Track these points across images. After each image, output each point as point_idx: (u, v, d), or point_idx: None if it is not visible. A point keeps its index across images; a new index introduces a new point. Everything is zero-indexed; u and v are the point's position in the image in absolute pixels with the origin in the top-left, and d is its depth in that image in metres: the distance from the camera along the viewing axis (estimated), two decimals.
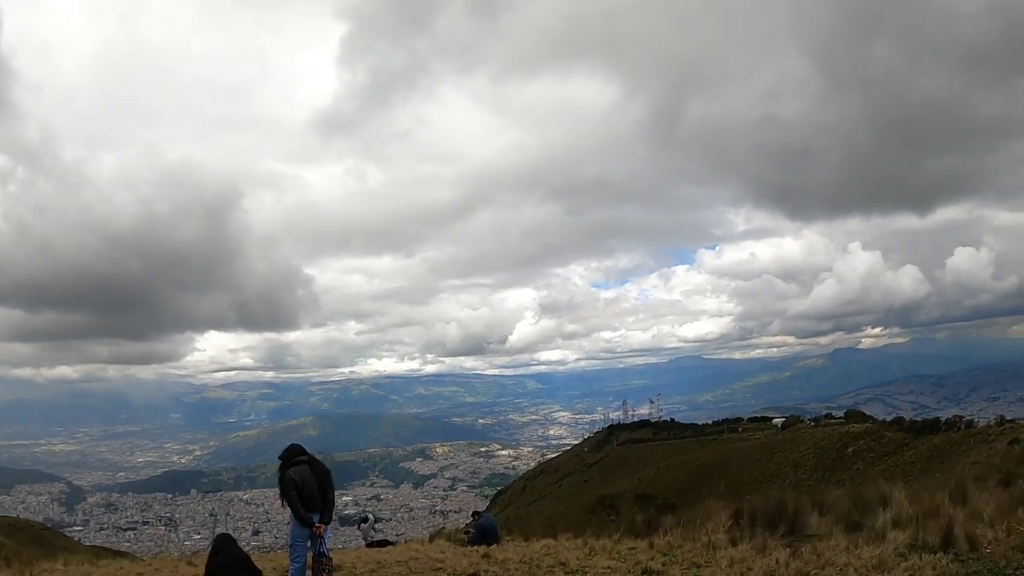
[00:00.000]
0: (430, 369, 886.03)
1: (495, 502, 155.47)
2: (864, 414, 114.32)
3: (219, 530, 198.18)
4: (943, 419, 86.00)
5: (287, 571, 11.14)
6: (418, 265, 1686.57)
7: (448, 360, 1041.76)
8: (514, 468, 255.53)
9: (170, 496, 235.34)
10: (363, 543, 23.26)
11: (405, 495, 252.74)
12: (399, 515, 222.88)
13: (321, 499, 10.82)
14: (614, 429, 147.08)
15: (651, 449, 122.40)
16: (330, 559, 11.05)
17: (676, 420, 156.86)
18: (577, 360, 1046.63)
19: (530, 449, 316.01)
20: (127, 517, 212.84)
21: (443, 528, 24.80)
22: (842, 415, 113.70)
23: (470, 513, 20.96)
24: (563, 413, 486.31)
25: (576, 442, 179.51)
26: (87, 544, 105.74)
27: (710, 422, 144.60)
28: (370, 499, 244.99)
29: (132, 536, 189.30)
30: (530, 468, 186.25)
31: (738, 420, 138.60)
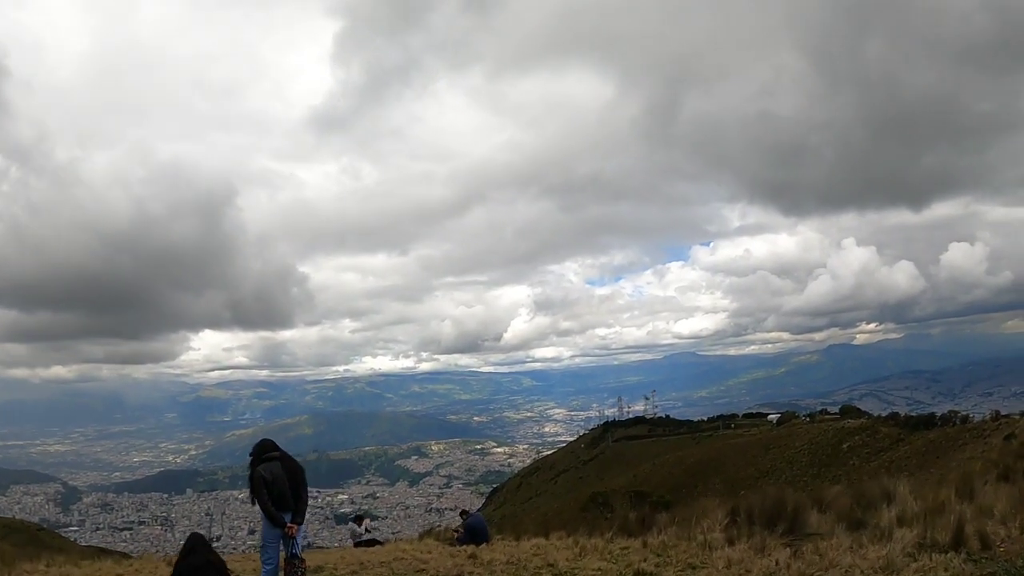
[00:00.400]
0: (425, 367, 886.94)
1: (490, 500, 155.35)
2: (859, 410, 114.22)
3: (215, 530, 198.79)
4: (938, 414, 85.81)
5: (260, 573, 10.49)
6: (413, 263, 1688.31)
7: (443, 358, 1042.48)
8: (509, 465, 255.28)
9: (166, 496, 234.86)
10: (353, 542, 22.92)
11: (401, 493, 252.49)
12: (395, 513, 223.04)
13: (293, 498, 10.16)
14: (609, 426, 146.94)
15: (646, 446, 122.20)
16: (303, 561, 10.41)
17: (671, 417, 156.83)
18: (572, 357, 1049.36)
19: (525, 446, 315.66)
20: (123, 517, 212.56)
21: (433, 528, 24.20)
22: (837, 411, 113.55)
23: (458, 513, 20.47)
24: (558, 410, 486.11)
25: (571, 439, 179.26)
26: (83, 544, 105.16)
27: (705, 418, 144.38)
28: (366, 497, 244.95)
29: (128, 536, 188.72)
30: (525, 465, 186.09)
31: (733, 416, 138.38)
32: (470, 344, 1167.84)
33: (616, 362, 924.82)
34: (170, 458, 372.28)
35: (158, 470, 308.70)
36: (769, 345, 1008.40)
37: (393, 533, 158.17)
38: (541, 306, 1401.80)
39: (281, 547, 10.22)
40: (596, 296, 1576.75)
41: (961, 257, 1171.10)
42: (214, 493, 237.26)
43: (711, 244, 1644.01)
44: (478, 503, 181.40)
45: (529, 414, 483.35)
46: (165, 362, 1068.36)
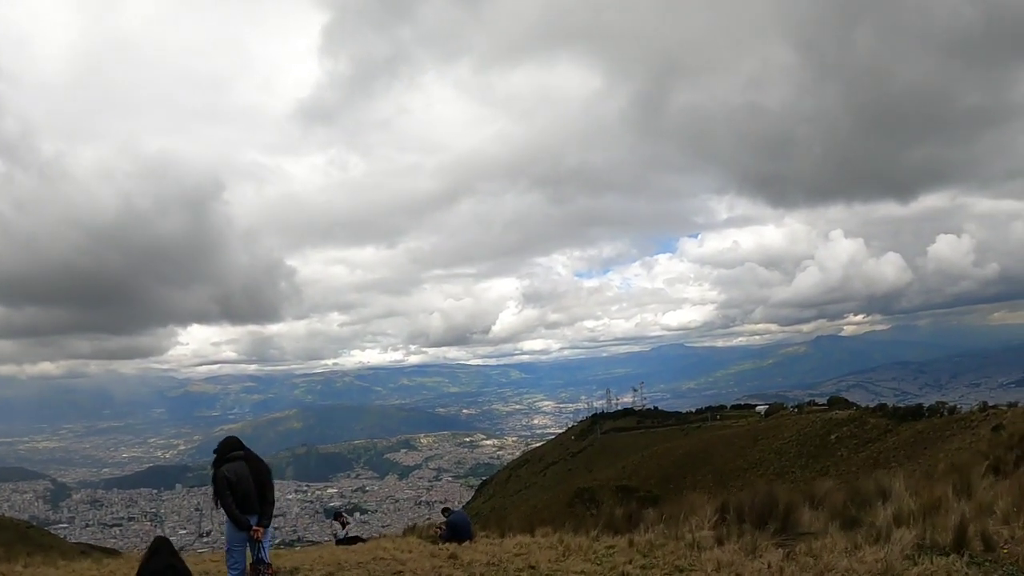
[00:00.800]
0: (414, 360, 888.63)
1: (480, 492, 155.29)
2: (847, 401, 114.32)
3: (205, 525, 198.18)
4: (926, 405, 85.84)
5: None
6: (401, 255, 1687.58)
7: (431, 351, 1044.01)
8: (499, 458, 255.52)
9: (155, 491, 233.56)
10: (335, 540, 22.53)
11: (390, 486, 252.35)
12: (384, 506, 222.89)
13: (259, 499, 9.63)
14: (598, 418, 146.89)
15: (635, 438, 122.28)
16: (269, 566, 9.82)
17: (659, 408, 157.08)
18: (560, 349, 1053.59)
19: (514, 439, 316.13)
20: (112, 513, 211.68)
21: (417, 524, 23.76)
22: (825, 402, 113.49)
23: (440, 510, 20.01)
24: (547, 402, 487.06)
25: (560, 431, 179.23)
26: (73, 541, 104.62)
27: (693, 410, 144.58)
28: (355, 491, 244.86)
29: (118, 532, 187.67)
30: (514, 458, 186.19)
31: (721, 408, 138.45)
32: (459, 337, 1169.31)
33: (604, 354, 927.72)
34: (159, 453, 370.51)
35: (147, 466, 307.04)
36: (757, 337, 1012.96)
37: (383, 526, 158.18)
38: (529, 298, 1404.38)
39: (248, 551, 9.69)
40: (584, 288, 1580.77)
41: (948, 249, 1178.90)
42: (203, 488, 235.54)
43: (699, 236, 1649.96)
44: (467, 496, 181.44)
45: (518, 406, 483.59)
46: (153, 357, 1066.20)
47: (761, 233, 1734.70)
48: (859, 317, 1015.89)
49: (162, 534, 10.75)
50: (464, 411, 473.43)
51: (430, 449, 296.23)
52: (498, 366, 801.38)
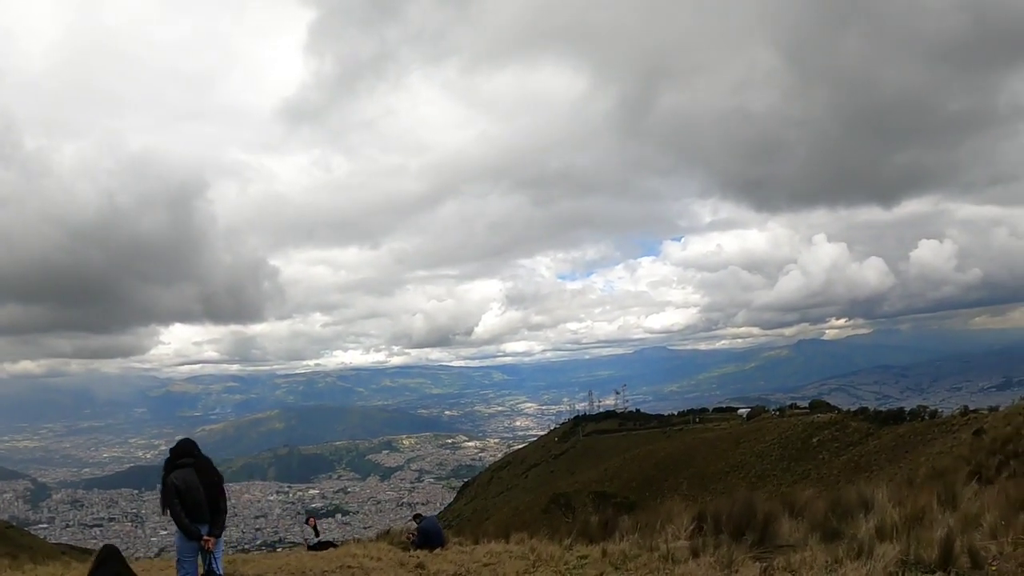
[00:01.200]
0: (396, 361, 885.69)
1: (462, 494, 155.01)
2: (828, 404, 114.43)
3: None
4: (907, 409, 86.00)
5: None
6: (384, 256, 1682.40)
7: (414, 352, 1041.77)
8: (481, 459, 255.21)
9: (136, 492, 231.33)
10: (306, 543, 22.10)
11: (372, 488, 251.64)
12: (366, 508, 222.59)
13: (210, 508, 9.15)
14: (580, 420, 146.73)
15: (617, 440, 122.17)
16: None
17: (642, 411, 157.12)
18: (543, 351, 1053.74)
19: (496, 440, 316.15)
20: (93, 514, 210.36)
21: (390, 530, 23.27)
22: (807, 405, 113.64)
23: (412, 516, 19.56)
24: (529, 404, 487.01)
25: (542, 433, 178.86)
26: (53, 542, 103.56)
27: (675, 413, 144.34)
28: (337, 492, 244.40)
29: (99, 533, 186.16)
30: (496, 459, 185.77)
31: (703, 411, 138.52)
32: (441, 338, 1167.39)
33: (587, 356, 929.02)
34: (140, 454, 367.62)
35: (128, 466, 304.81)
36: (739, 340, 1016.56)
37: (365, 527, 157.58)
38: (513, 300, 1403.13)
39: (200, 561, 9.18)
40: (567, 290, 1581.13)
41: (930, 254, 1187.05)
42: None
43: (682, 239, 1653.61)
44: (449, 497, 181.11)
45: (500, 408, 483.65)
46: (134, 356, 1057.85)
47: (744, 237, 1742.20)
48: (841, 321, 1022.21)
49: (111, 542, 10.22)
50: (446, 413, 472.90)
51: (412, 450, 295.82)
52: (481, 368, 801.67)
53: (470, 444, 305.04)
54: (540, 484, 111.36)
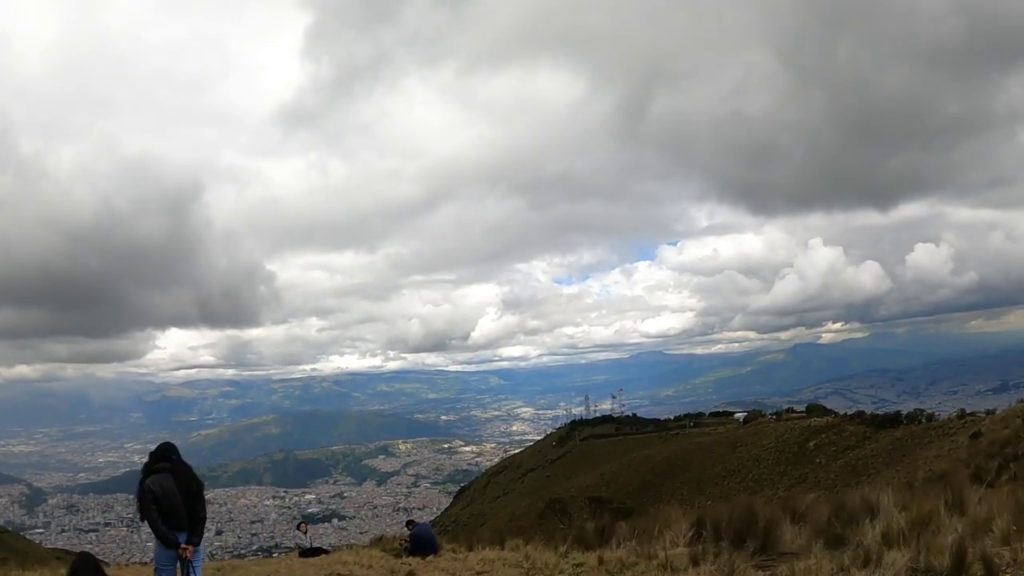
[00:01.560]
0: (392, 366, 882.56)
1: (458, 499, 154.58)
2: (825, 408, 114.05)
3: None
4: (904, 413, 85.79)
5: None
6: (380, 261, 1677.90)
7: (410, 356, 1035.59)
8: (477, 464, 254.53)
9: (131, 497, 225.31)
10: (299, 549, 21.81)
11: (368, 493, 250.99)
12: (363, 513, 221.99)
13: (189, 515, 8.72)
14: (576, 425, 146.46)
15: (613, 444, 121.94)
16: None
17: (638, 415, 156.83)
18: (539, 356, 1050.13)
19: (493, 445, 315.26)
20: (88, 519, 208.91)
21: (383, 536, 22.93)
22: (803, 409, 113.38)
23: (405, 523, 19.21)
24: (525, 409, 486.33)
25: (539, 438, 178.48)
26: (48, 547, 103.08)
27: (672, 417, 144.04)
28: (333, 497, 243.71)
29: (94, 538, 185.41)
30: (493, 464, 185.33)
31: (700, 415, 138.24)
32: (437, 343, 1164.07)
33: (583, 361, 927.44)
34: (136, 458, 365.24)
35: (124, 471, 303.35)
36: (736, 344, 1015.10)
37: (361, 532, 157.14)
38: (509, 305, 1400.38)
39: (179, 570, 8.79)
40: (564, 295, 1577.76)
41: (926, 258, 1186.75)
42: None
43: (678, 243, 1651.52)
44: (446, 502, 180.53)
45: (496, 413, 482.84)
46: (130, 361, 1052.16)
47: (741, 241, 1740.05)
48: (837, 325, 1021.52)
49: (85, 550, 9.91)
50: (443, 417, 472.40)
51: (408, 455, 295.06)
52: (477, 372, 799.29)
53: (466, 449, 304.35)
54: (536, 489, 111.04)
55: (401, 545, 17.77)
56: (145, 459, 9.16)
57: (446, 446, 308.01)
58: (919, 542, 7.49)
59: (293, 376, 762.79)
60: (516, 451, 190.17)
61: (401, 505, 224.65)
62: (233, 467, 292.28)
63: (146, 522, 8.61)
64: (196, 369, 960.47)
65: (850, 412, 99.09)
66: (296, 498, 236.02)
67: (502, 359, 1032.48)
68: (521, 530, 19.30)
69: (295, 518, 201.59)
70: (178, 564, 8.65)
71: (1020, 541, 7.38)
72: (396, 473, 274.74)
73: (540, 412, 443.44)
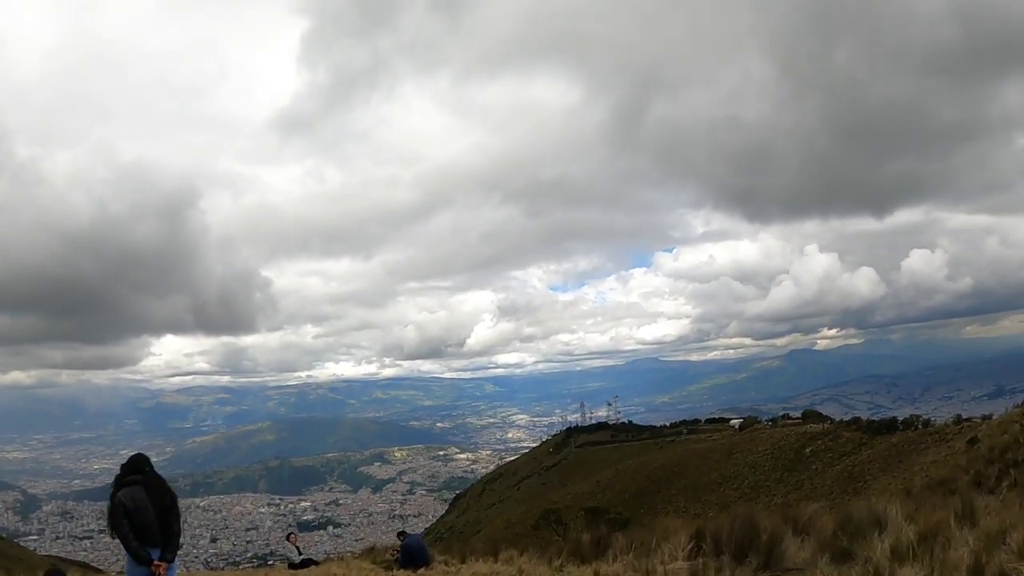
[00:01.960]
0: (388, 373, 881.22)
1: (454, 506, 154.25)
2: (821, 414, 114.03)
3: None
4: (900, 418, 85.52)
5: None
6: (376, 268, 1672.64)
7: (406, 363, 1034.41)
8: (473, 471, 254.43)
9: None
10: (288, 562, 21.39)
11: (364, 500, 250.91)
12: (358, 520, 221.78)
13: (162, 530, 8.23)
14: (572, 432, 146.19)
15: (609, 451, 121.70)
16: None
17: (634, 422, 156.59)
18: (535, 363, 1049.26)
19: (488, 452, 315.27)
20: (83, 526, 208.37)
21: (375, 546, 22.51)
22: (799, 416, 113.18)
23: (396, 534, 18.80)
24: (521, 416, 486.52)
25: (534, 445, 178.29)
26: (42, 554, 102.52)
27: (668, 424, 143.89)
28: (328, 504, 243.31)
29: (89, 545, 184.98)
30: (488, 471, 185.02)
31: (696, 422, 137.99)
32: (433, 350, 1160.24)
33: (579, 368, 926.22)
34: None
35: None
36: (731, 351, 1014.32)
37: (356, 540, 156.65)
38: (505, 312, 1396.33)
39: None
40: (560, 302, 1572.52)
41: (921, 263, 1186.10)
42: None
43: (674, 250, 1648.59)
44: (441, 509, 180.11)
45: (492, 420, 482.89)
46: (126, 368, 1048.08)
47: (736, 247, 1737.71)
48: (833, 331, 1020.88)
49: (57, 566, 9.47)
50: (438, 424, 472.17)
51: (404, 463, 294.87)
52: (472, 379, 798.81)
53: (462, 456, 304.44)
54: (532, 496, 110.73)
55: (392, 556, 17.38)
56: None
57: (442, 453, 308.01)
58: (932, 557, 7.09)
59: (288, 383, 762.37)
60: (512, 458, 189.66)
61: (397, 512, 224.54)
62: (228, 474, 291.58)
63: (117, 537, 8.15)
64: (191, 376, 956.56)
65: (846, 418, 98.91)
66: (291, 505, 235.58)
67: (498, 366, 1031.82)
68: (516, 538, 18.92)
69: (290, 525, 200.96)
70: None
71: None
72: (392, 480, 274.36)
73: (536, 419, 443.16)
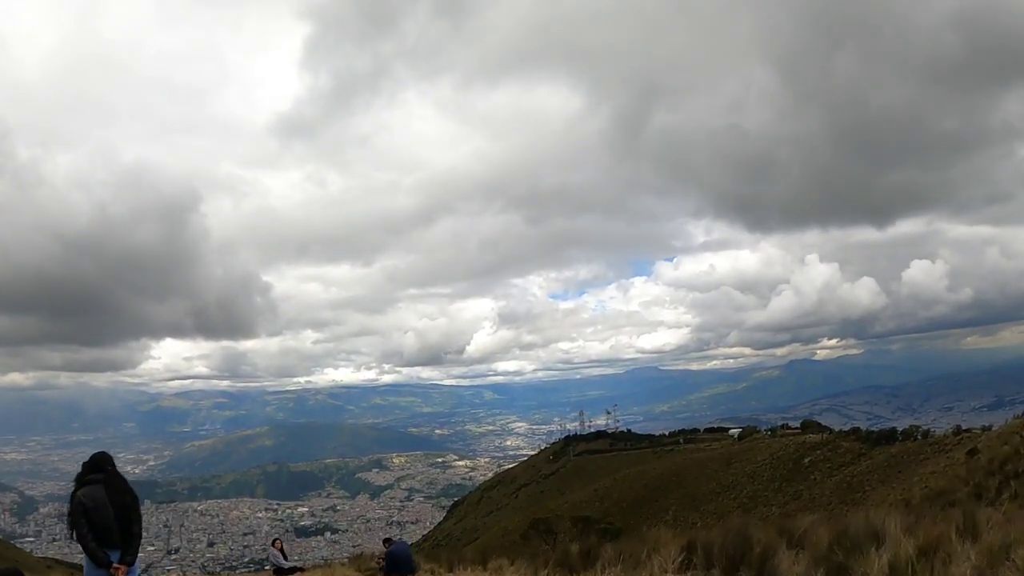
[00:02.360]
0: (387, 379, 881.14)
1: (451, 513, 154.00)
2: (820, 424, 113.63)
3: (174, 542, 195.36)
4: (899, 429, 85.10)
5: None
6: (376, 274, 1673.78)
7: (405, 370, 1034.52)
8: (471, 479, 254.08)
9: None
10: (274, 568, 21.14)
11: (361, 506, 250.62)
12: (355, 526, 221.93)
13: (121, 532, 7.87)
14: (571, 440, 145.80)
15: (607, 460, 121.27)
16: None
17: (633, 431, 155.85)
18: (534, 371, 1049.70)
19: (487, 460, 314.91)
20: None
21: (362, 553, 22.18)
22: (798, 426, 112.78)
23: (382, 541, 18.46)
24: (520, 424, 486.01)
25: (533, 453, 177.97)
26: (39, 556, 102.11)
27: (666, 433, 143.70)
28: (326, 510, 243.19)
29: None
30: (487, 479, 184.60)
31: (695, 431, 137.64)
32: (432, 357, 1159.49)
33: (578, 376, 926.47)
34: (128, 468, 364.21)
35: None
36: (731, 360, 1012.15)
37: (354, 546, 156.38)
38: (505, 319, 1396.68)
39: None
40: (560, 310, 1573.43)
41: (922, 274, 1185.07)
42: (172, 504, 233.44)
43: (675, 259, 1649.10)
44: (439, 516, 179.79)
45: (491, 427, 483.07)
46: (125, 370, 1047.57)
47: (737, 257, 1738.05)
48: (833, 341, 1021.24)
49: (15, 566, 9.07)
50: (437, 431, 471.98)
51: (402, 469, 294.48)
52: (472, 387, 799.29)
53: (460, 463, 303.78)
54: (530, 504, 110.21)
55: (377, 564, 17.05)
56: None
57: (440, 460, 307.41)
58: (932, 574, 6.70)
59: (287, 388, 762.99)
60: (510, 466, 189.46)
61: (394, 519, 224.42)
62: (226, 478, 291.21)
63: (75, 537, 7.79)
64: (190, 380, 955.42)
65: (845, 429, 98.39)
66: (289, 511, 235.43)
67: (497, 373, 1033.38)
68: (511, 546, 18.50)
69: (288, 531, 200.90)
70: None
71: None
72: (389, 487, 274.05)
73: (534, 427, 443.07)
